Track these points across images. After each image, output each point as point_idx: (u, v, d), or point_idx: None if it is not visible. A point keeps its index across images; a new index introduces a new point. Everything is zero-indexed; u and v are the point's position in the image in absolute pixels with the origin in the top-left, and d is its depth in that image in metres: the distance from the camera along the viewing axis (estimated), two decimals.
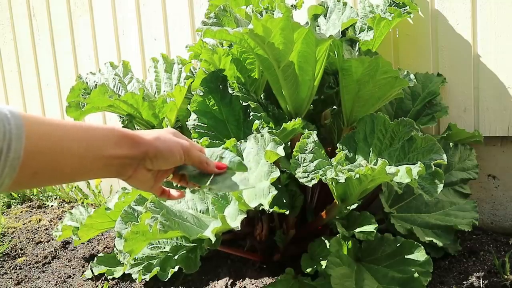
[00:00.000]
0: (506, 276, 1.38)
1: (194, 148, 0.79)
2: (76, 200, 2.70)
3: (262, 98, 1.62)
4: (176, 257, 1.41)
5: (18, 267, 1.91)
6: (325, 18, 1.61)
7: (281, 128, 1.32)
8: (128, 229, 1.09)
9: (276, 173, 1.11)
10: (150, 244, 1.45)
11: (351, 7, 1.56)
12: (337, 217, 1.40)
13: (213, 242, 1.03)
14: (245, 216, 1.04)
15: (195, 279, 1.60)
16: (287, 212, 1.34)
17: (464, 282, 1.41)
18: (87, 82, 1.86)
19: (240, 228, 1.02)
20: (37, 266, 1.90)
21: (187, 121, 1.52)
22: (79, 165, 0.63)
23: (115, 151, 0.67)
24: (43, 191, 2.85)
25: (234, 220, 1.04)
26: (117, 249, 1.40)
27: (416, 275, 1.24)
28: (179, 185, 0.85)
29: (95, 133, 0.65)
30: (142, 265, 1.44)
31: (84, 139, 0.63)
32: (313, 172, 1.24)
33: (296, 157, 1.26)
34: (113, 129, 0.68)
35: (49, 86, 2.83)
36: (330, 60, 1.49)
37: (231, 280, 1.54)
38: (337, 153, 1.31)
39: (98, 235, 2.09)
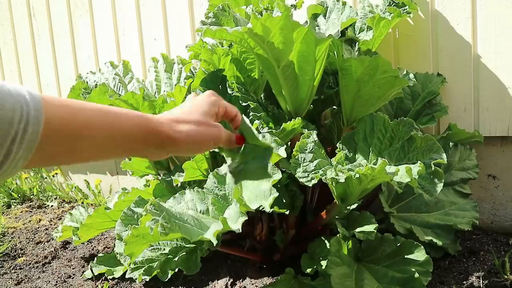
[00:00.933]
0: (506, 276, 1.38)
1: (222, 136, 0.79)
2: (76, 200, 2.70)
3: (262, 98, 1.62)
4: (176, 258, 1.41)
5: (18, 267, 1.91)
6: (325, 18, 1.61)
7: (281, 128, 1.32)
8: (129, 232, 1.08)
9: (278, 175, 1.11)
10: (150, 246, 1.45)
11: (351, 7, 1.56)
12: (337, 217, 1.40)
13: (214, 245, 1.03)
14: (246, 218, 1.04)
15: (195, 279, 1.60)
16: (287, 212, 1.34)
17: (464, 282, 1.41)
18: (87, 82, 1.86)
19: (240, 230, 1.01)
20: (37, 266, 1.90)
21: None
22: (98, 152, 0.61)
23: (140, 146, 0.65)
24: (43, 191, 2.86)
25: (235, 222, 1.03)
26: (117, 252, 1.40)
27: (416, 275, 1.24)
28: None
29: (121, 124, 0.62)
30: (143, 269, 1.44)
31: (107, 128, 0.60)
32: (313, 172, 1.24)
33: (296, 157, 1.26)
34: (141, 121, 0.64)
35: (49, 86, 2.83)
36: (329, 60, 1.49)
37: (231, 280, 1.54)
38: (337, 153, 1.31)
39: (98, 235, 2.09)
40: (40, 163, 0.55)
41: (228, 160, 0.96)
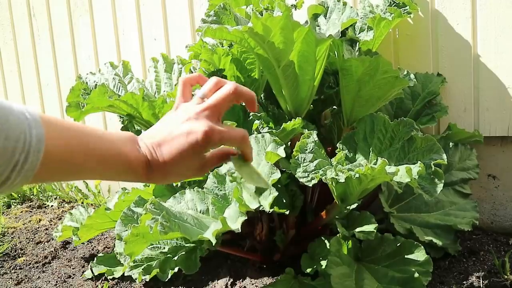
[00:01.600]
0: (506, 276, 1.38)
1: (207, 168, 0.70)
2: (76, 200, 2.70)
3: (262, 98, 1.62)
4: (175, 258, 1.41)
5: (18, 267, 1.91)
6: (325, 18, 1.61)
7: (281, 128, 1.32)
8: (129, 232, 1.09)
9: (277, 175, 1.11)
10: (150, 244, 1.45)
11: (351, 7, 1.56)
12: (337, 217, 1.40)
13: (213, 244, 1.03)
14: (246, 218, 1.04)
15: (195, 279, 1.60)
16: (287, 212, 1.34)
17: (464, 282, 1.41)
18: (87, 82, 1.86)
19: (240, 230, 1.02)
20: (37, 266, 1.90)
21: None
22: (94, 177, 0.63)
23: (135, 177, 0.65)
24: (43, 191, 2.85)
25: (235, 222, 1.03)
26: (117, 252, 1.40)
27: (416, 275, 1.24)
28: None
29: (117, 159, 0.62)
30: (142, 267, 1.44)
31: (105, 162, 0.61)
32: (313, 172, 1.24)
33: (296, 157, 1.26)
34: (137, 156, 0.63)
35: (49, 86, 2.83)
36: (330, 60, 1.49)
37: (231, 280, 1.54)
38: (337, 153, 1.31)
39: (98, 235, 2.09)
40: (36, 183, 0.58)
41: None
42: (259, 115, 1.36)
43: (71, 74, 2.68)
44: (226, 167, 1.30)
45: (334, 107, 1.65)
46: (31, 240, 2.17)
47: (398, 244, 1.35)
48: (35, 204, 2.72)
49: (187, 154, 0.64)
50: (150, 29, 2.35)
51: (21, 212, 2.62)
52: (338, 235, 1.35)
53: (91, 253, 1.95)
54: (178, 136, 0.64)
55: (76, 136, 0.59)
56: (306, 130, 1.33)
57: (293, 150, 1.27)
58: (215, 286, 1.54)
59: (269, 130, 1.31)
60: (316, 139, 1.30)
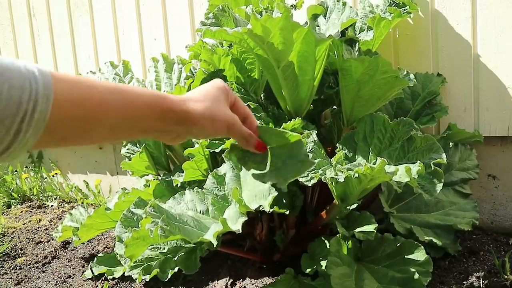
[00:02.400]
0: (506, 276, 1.38)
1: (237, 124, 0.74)
2: (76, 200, 2.70)
3: (262, 98, 1.62)
4: (175, 258, 1.41)
5: (18, 267, 1.91)
6: (325, 18, 1.61)
7: (281, 128, 1.31)
8: (129, 235, 1.08)
9: None
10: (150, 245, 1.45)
11: (351, 7, 1.56)
12: (337, 217, 1.40)
13: (214, 246, 1.03)
14: (246, 218, 1.04)
15: (195, 279, 1.60)
16: (287, 212, 1.33)
17: (464, 282, 1.41)
18: None
19: (240, 230, 1.02)
20: (37, 266, 1.90)
21: None
22: (112, 133, 0.59)
23: (157, 124, 0.63)
24: (43, 191, 2.86)
25: (235, 222, 1.03)
26: (118, 253, 1.40)
27: (416, 275, 1.24)
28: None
29: (137, 103, 0.59)
30: (141, 267, 1.44)
31: (122, 108, 0.58)
32: (312, 172, 1.24)
33: None
34: (158, 98, 0.62)
35: None
36: (330, 60, 1.49)
37: (231, 280, 1.54)
38: (336, 153, 1.31)
39: (98, 235, 2.09)
40: (51, 144, 0.54)
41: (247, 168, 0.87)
42: (259, 115, 1.36)
43: (71, 74, 2.67)
44: (224, 168, 1.30)
45: (334, 107, 1.65)
46: (31, 240, 2.17)
47: (398, 244, 1.35)
48: (35, 204, 2.72)
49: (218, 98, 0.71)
50: (150, 29, 2.35)
51: (21, 212, 2.62)
52: (338, 235, 1.35)
53: (91, 253, 1.95)
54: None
55: (92, 85, 0.55)
56: (306, 130, 1.33)
57: None
58: (215, 286, 1.54)
59: None
60: (316, 139, 1.30)
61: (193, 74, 1.77)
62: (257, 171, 0.84)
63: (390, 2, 1.55)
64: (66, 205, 2.66)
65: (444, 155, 1.19)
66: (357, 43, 1.46)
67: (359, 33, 1.56)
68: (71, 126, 0.54)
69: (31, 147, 0.52)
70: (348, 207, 1.35)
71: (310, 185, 1.22)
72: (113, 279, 1.68)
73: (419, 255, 1.30)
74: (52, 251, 2.01)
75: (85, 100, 0.54)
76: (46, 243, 2.12)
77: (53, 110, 0.51)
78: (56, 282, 1.75)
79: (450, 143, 1.60)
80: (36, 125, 0.50)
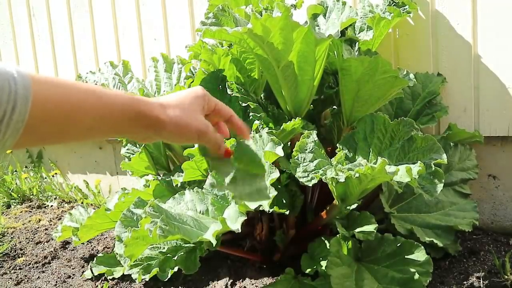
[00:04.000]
0: (506, 276, 1.38)
1: (208, 132, 0.77)
2: (75, 200, 2.70)
3: (262, 98, 1.62)
4: (175, 258, 1.41)
5: (17, 267, 1.91)
6: (325, 18, 1.61)
7: (281, 128, 1.31)
8: (129, 235, 1.08)
9: (276, 174, 1.10)
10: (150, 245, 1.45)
11: (351, 7, 1.56)
12: (337, 217, 1.40)
13: (214, 245, 1.03)
14: (245, 218, 1.03)
15: (195, 279, 1.59)
16: (287, 212, 1.33)
17: (464, 282, 1.40)
18: (87, 82, 1.86)
19: (240, 230, 1.01)
20: (37, 266, 1.90)
21: None
22: (88, 132, 0.61)
23: (129, 126, 0.65)
24: (42, 191, 2.85)
25: (235, 222, 1.03)
26: (117, 253, 1.40)
27: (416, 275, 1.24)
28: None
29: (112, 105, 0.61)
30: (141, 266, 1.44)
31: (98, 113, 0.59)
32: (313, 172, 1.23)
33: (296, 157, 1.26)
34: (132, 102, 0.64)
35: None
36: (329, 60, 1.49)
37: (231, 280, 1.54)
38: (337, 153, 1.30)
39: (97, 235, 2.09)
40: (29, 144, 0.55)
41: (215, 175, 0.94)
42: (259, 115, 1.36)
43: (71, 74, 2.67)
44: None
45: (334, 107, 1.65)
46: (30, 240, 2.17)
47: (398, 244, 1.35)
48: (35, 204, 2.72)
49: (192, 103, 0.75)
50: (150, 29, 2.34)
51: (21, 212, 2.62)
52: (338, 235, 1.34)
53: (90, 253, 1.95)
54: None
55: (71, 87, 0.57)
56: (306, 130, 1.33)
57: (293, 150, 1.27)
58: (215, 286, 1.54)
59: (269, 130, 1.31)
60: (316, 139, 1.29)
61: (193, 74, 1.77)
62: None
63: (390, 1, 1.55)
64: (66, 205, 2.66)
65: (444, 156, 1.19)
66: (357, 43, 1.45)
67: (359, 32, 1.56)
68: (49, 127, 0.55)
69: (10, 147, 0.53)
70: (348, 207, 1.35)
71: (310, 185, 1.22)
72: (113, 279, 1.68)
73: (419, 255, 1.30)
74: (51, 251, 2.00)
75: (63, 102, 0.55)
76: (45, 243, 2.12)
77: (32, 111, 0.51)
78: (56, 282, 1.75)
79: (450, 143, 1.60)
80: (15, 127, 0.50)
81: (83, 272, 1.78)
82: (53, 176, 2.89)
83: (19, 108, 0.50)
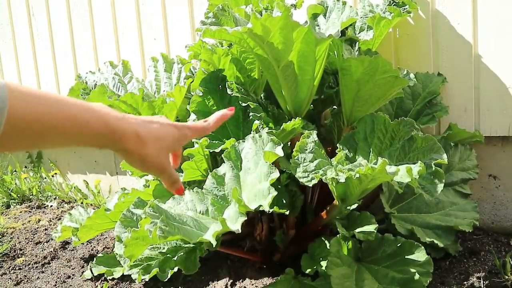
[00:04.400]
0: (506, 277, 1.38)
1: (167, 171, 0.76)
2: (75, 200, 2.69)
3: (262, 98, 1.62)
4: (175, 258, 1.41)
5: (17, 268, 1.91)
6: (325, 18, 1.60)
7: (281, 128, 1.31)
8: (128, 235, 1.08)
9: (276, 174, 1.10)
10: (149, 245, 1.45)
11: (351, 7, 1.56)
12: (337, 217, 1.39)
13: (214, 246, 1.03)
14: (245, 218, 1.03)
15: (195, 279, 1.59)
16: (287, 212, 1.33)
17: (465, 282, 1.40)
18: (86, 82, 1.86)
19: (240, 230, 1.01)
20: (37, 267, 1.90)
21: (187, 121, 1.52)
22: (62, 144, 0.62)
23: (101, 145, 0.65)
24: (42, 191, 2.85)
25: (235, 222, 1.03)
26: (117, 253, 1.40)
27: (416, 275, 1.24)
28: None
29: (86, 128, 0.61)
30: (141, 266, 1.44)
31: (72, 132, 0.60)
32: (313, 172, 1.23)
33: (296, 157, 1.25)
34: (104, 125, 0.63)
35: (48, 86, 2.82)
36: (329, 60, 1.49)
37: (231, 281, 1.54)
38: (337, 153, 1.30)
39: (97, 236, 2.09)
40: (4, 150, 0.56)
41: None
42: (259, 115, 1.36)
43: (71, 74, 2.67)
44: (224, 168, 1.30)
45: (334, 107, 1.65)
46: (30, 240, 2.16)
47: (398, 245, 1.35)
48: (35, 204, 2.71)
49: (167, 131, 0.73)
50: (150, 29, 2.34)
51: (21, 212, 2.61)
52: (338, 235, 1.34)
53: (90, 254, 1.94)
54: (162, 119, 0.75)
55: (46, 98, 0.57)
56: (306, 130, 1.33)
57: (293, 150, 1.27)
58: (215, 286, 1.54)
59: (269, 130, 1.30)
60: (316, 139, 1.29)
61: (193, 74, 1.77)
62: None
63: (390, 1, 1.55)
64: (66, 205, 2.66)
65: (445, 156, 1.19)
66: (357, 43, 1.45)
67: (359, 32, 1.56)
68: (23, 141, 0.55)
69: None
70: (348, 207, 1.35)
71: (310, 185, 1.22)
72: (113, 279, 1.67)
73: (420, 255, 1.30)
74: (51, 251, 2.00)
75: (37, 118, 0.55)
76: (45, 243, 2.12)
77: (5, 126, 0.51)
78: (56, 282, 1.75)
79: (451, 143, 1.60)
80: None
81: (82, 272, 1.78)
82: (52, 176, 2.89)
83: None
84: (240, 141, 1.28)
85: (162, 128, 0.72)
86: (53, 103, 0.57)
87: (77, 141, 0.62)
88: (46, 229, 2.29)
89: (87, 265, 1.83)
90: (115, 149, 0.67)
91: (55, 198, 2.77)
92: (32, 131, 0.55)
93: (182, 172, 1.50)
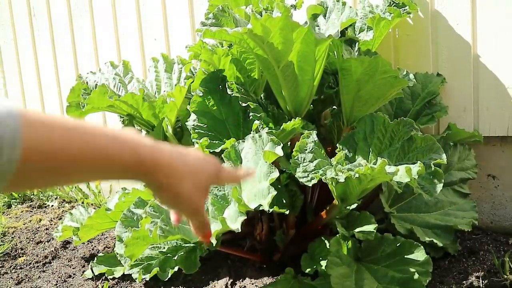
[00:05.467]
0: (505, 276, 1.38)
1: (200, 212, 0.67)
2: (76, 200, 2.70)
3: (262, 98, 1.62)
4: (175, 257, 1.41)
5: (18, 267, 1.91)
6: (325, 18, 1.61)
7: (281, 128, 1.32)
8: (129, 235, 1.09)
9: (275, 174, 1.11)
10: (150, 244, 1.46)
11: (351, 7, 1.56)
12: (337, 217, 1.40)
13: (214, 245, 1.04)
14: (245, 217, 1.04)
15: (195, 279, 1.60)
16: (287, 212, 1.34)
17: (464, 281, 1.41)
18: (87, 82, 1.86)
19: (240, 230, 1.02)
20: (38, 266, 1.90)
21: (187, 121, 1.52)
22: (83, 180, 0.56)
23: (131, 177, 0.56)
24: (43, 191, 2.86)
25: (235, 222, 1.04)
26: (118, 253, 1.40)
27: (415, 275, 1.24)
28: None
29: (119, 162, 0.53)
30: (141, 266, 1.44)
31: (101, 165, 0.52)
32: (313, 172, 1.24)
33: (296, 157, 1.26)
34: (137, 156, 0.54)
35: (49, 86, 2.83)
36: (329, 60, 1.49)
37: (231, 280, 1.55)
38: (337, 153, 1.31)
39: (98, 235, 2.09)
40: (14, 191, 0.50)
41: None
42: (259, 115, 1.36)
43: (71, 74, 2.68)
44: None
45: (334, 107, 1.65)
46: (31, 240, 2.17)
47: (398, 244, 1.36)
48: (36, 204, 2.72)
49: (201, 165, 0.64)
50: (150, 29, 2.35)
51: (22, 212, 2.62)
52: (338, 235, 1.35)
53: (91, 253, 1.95)
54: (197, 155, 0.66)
55: (68, 127, 0.49)
56: (306, 130, 1.34)
57: (293, 150, 1.27)
58: (215, 286, 1.54)
59: (269, 130, 1.31)
60: (316, 139, 1.30)
61: (193, 74, 1.77)
62: None
63: (390, 2, 1.55)
64: (67, 204, 2.66)
65: (444, 156, 1.20)
66: (357, 43, 1.46)
67: (359, 33, 1.56)
68: (38, 178, 0.48)
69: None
70: (348, 207, 1.35)
71: (310, 185, 1.23)
72: (113, 278, 1.68)
73: (419, 255, 1.30)
74: (52, 250, 2.01)
75: (56, 151, 0.47)
76: (46, 243, 2.12)
77: (20, 162, 0.44)
78: (57, 281, 1.75)
79: (450, 143, 1.60)
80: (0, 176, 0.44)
81: (83, 272, 1.78)
82: None
83: (6, 157, 0.43)
84: (240, 141, 1.29)
85: (198, 161, 0.64)
86: (79, 133, 0.50)
87: (104, 175, 0.55)
88: (47, 229, 2.29)
89: (88, 264, 1.83)
90: (146, 182, 0.59)
91: (56, 198, 2.78)
92: (50, 165, 0.47)
93: None
